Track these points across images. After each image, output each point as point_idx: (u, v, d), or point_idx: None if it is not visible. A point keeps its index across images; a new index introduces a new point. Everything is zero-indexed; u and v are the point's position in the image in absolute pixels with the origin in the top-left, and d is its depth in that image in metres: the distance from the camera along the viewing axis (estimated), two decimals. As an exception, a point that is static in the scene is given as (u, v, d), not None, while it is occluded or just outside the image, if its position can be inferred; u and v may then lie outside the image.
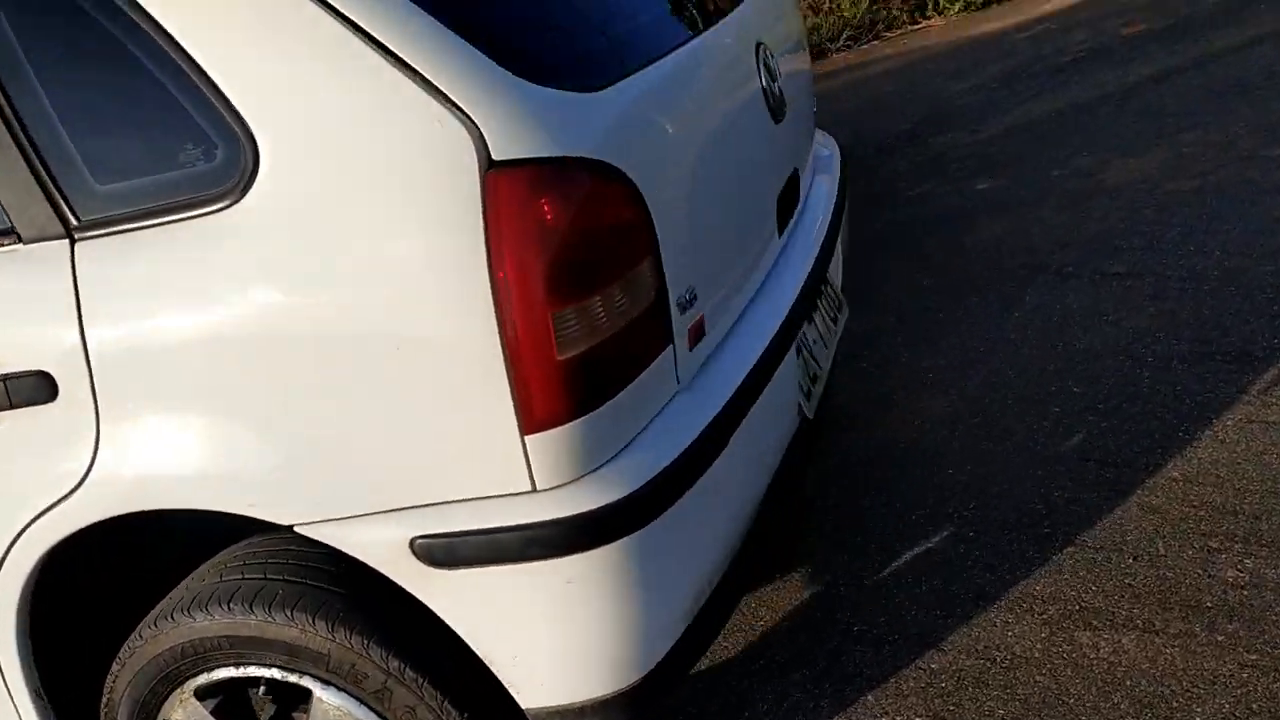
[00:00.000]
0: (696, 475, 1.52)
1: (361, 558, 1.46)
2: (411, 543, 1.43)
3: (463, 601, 1.46)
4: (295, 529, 1.47)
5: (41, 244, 1.47)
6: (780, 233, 1.98)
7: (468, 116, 1.31)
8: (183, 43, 1.37)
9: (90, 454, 1.49)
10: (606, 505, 1.40)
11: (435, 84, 1.32)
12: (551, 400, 1.36)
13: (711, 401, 1.59)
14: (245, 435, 1.43)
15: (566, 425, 1.37)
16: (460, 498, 1.41)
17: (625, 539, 1.42)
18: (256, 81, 1.36)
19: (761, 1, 2.07)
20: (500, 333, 1.32)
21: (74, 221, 1.46)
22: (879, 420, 2.99)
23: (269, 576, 1.55)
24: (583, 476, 1.41)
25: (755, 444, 1.72)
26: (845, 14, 7.83)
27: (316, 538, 1.47)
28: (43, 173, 1.45)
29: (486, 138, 1.31)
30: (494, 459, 1.38)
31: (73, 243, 1.46)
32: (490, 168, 1.30)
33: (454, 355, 1.34)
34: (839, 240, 2.29)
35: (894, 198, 4.56)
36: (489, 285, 1.31)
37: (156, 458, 1.47)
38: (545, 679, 1.49)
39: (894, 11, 7.92)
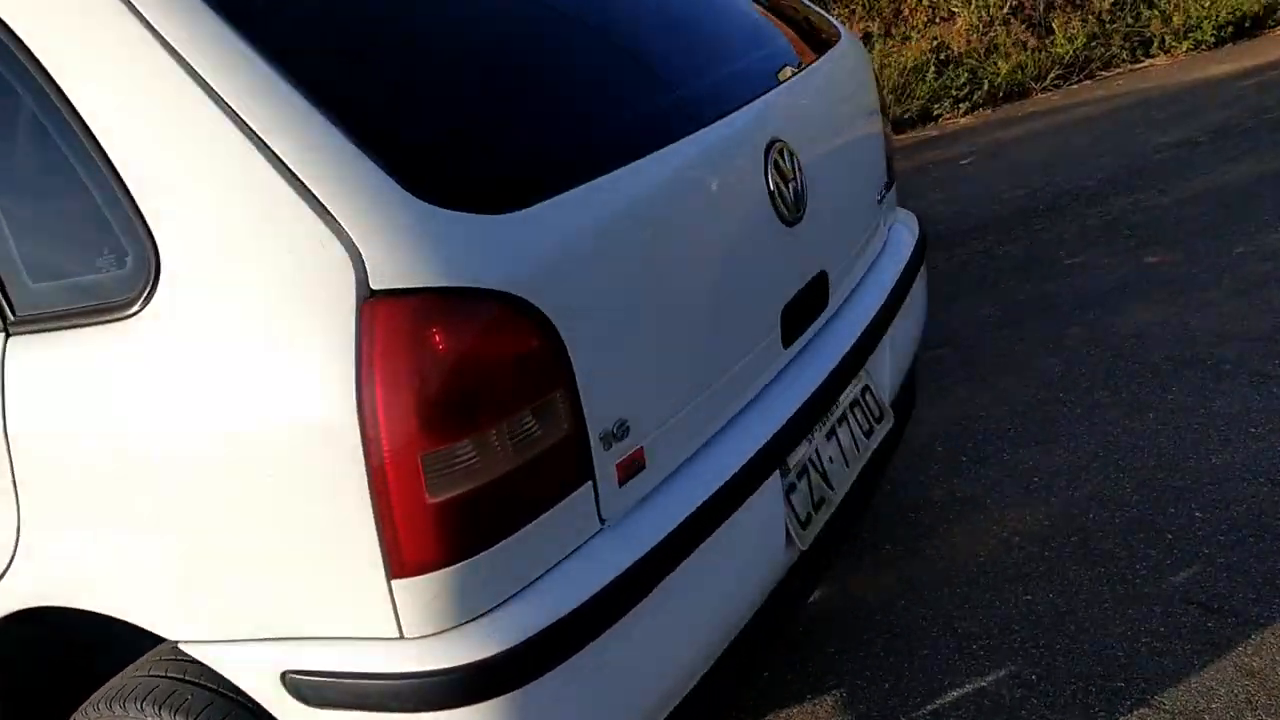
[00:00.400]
0: (607, 624, 1.38)
1: (237, 683, 1.40)
2: (283, 676, 1.35)
3: None
4: (180, 645, 1.43)
5: None
6: (788, 344, 1.80)
7: (350, 239, 1.23)
8: (103, 143, 1.35)
9: (12, 543, 1.50)
10: (481, 660, 1.28)
11: (321, 201, 1.24)
12: (421, 545, 1.25)
13: (637, 544, 1.44)
14: (139, 546, 1.40)
15: (439, 572, 1.27)
16: (332, 635, 1.33)
17: (506, 696, 1.30)
18: (161, 187, 1.32)
19: (791, 93, 1.89)
20: (367, 471, 1.23)
21: (10, 316, 1.47)
22: (961, 525, 2.72)
23: (186, 679, 1.52)
24: (459, 626, 1.29)
25: (710, 583, 1.55)
26: (1059, 50, 7.33)
27: (198, 656, 1.42)
28: None
29: (366, 264, 1.22)
30: (363, 601, 1.29)
31: (6, 336, 1.48)
32: (368, 296, 1.21)
33: (324, 490, 1.26)
34: (886, 343, 2.08)
35: (1048, 266, 4.20)
36: (357, 421, 1.22)
37: (68, 556, 1.46)
38: None
39: (1114, 49, 7.36)
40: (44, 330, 1.44)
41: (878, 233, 2.22)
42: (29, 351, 1.45)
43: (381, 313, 1.21)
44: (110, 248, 1.37)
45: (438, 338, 1.23)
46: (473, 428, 1.25)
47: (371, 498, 1.24)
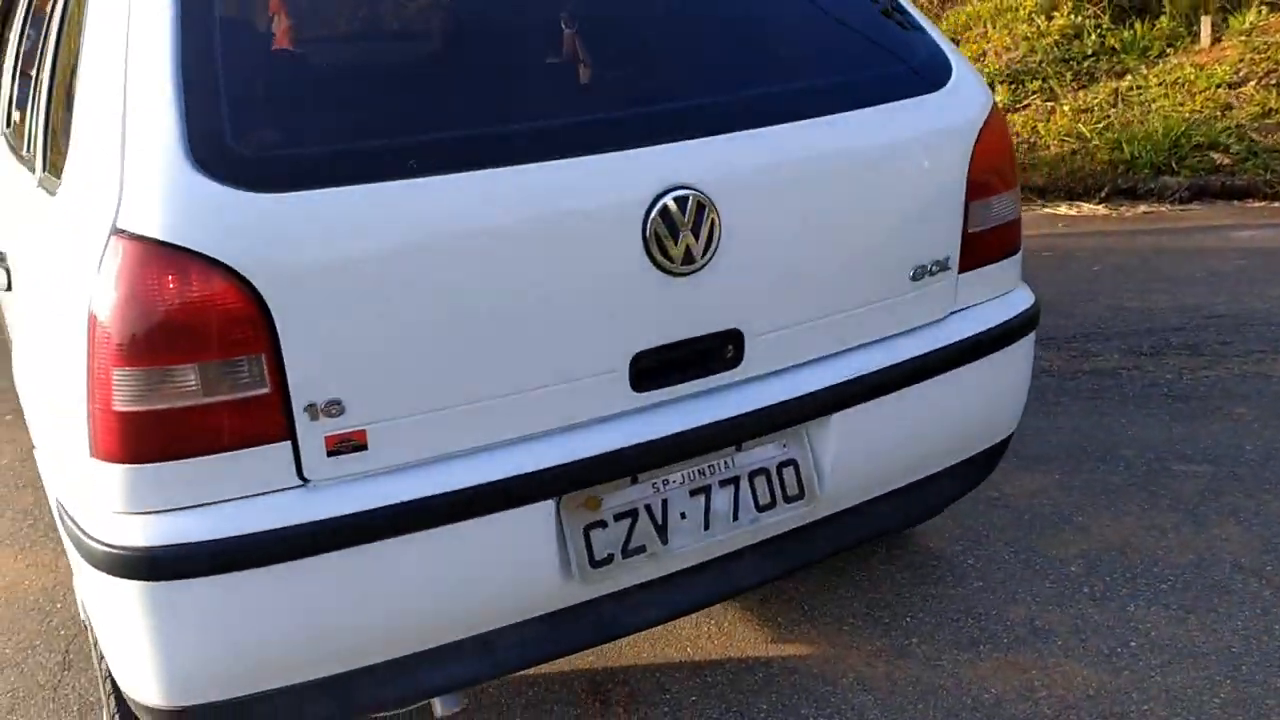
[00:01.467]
0: (266, 561, 1.57)
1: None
2: (59, 507, 1.72)
3: (83, 586, 1.72)
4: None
5: None
6: (642, 389, 1.79)
7: (123, 182, 1.52)
8: None
9: None
10: (130, 546, 1.55)
11: (125, 147, 1.54)
12: (106, 442, 1.54)
13: (327, 508, 1.60)
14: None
15: (119, 466, 1.54)
16: (74, 494, 1.67)
17: (142, 583, 1.56)
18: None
19: (737, 144, 1.82)
20: (86, 367, 1.53)
21: None
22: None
23: None
24: (129, 514, 1.56)
25: (417, 570, 1.67)
26: None
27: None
28: None
29: (122, 205, 1.50)
30: (80, 473, 1.61)
31: None
32: (114, 232, 1.50)
33: (74, 372, 1.58)
34: (836, 425, 1.95)
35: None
36: (88, 325, 1.52)
37: None
38: (122, 678, 1.70)
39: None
40: None
41: (902, 311, 2.03)
42: None
43: (112, 246, 1.49)
44: None
45: (141, 278, 1.48)
46: (157, 360, 1.49)
47: (86, 389, 1.54)
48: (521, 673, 2.42)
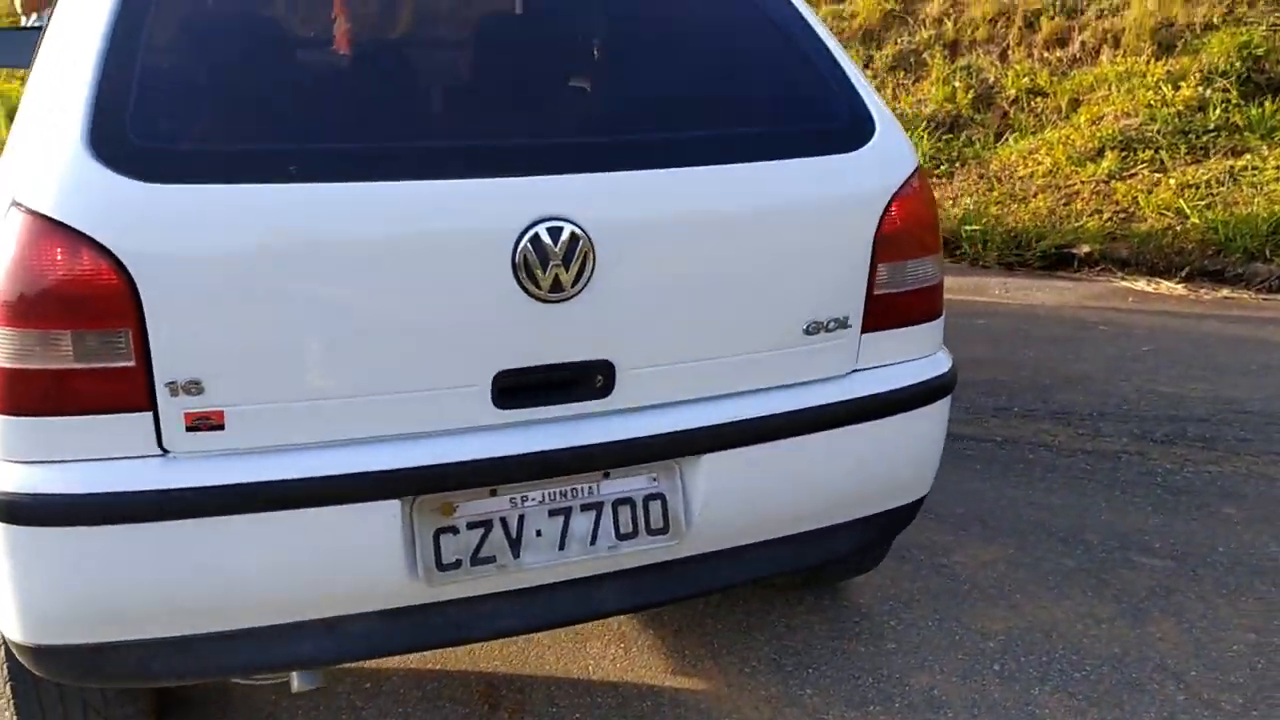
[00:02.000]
0: (109, 521, 1.71)
1: None
2: None
3: None
4: None
5: None
6: (505, 407, 1.88)
7: (28, 162, 1.70)
8: None
9: None
10: None
11: (40, 132, 1.72)
12: None
13: (182, 477, 1.74)
14: None
15: (4, 417, 1.71)
16: None
17: (4, 525, 1.72)
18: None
19: (619, 183, 1.89)
20: None
21: None
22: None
23: None
24: (5, 462, 1.73)
25: (256, 548, 1.79)
26: None
27: None
28: None
29: (23, 182, 1.68)
30: None
31: None
32: (12, 204, 1.67)
33: None
34: (706, 467, 2.01)
35: None
36: None
37: None
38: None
39: None
40: None
41: (794, 364, 2.07)
42: None
43: (10, 215, 1.66)
44: None
45: (23, 247, 1.64)
46: (27, 323, 1.65)
47: None
48: (423, 665, 2.54)
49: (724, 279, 2.00)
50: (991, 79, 9.03)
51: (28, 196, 1.66)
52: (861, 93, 2.17)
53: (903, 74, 9.90)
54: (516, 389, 1.89)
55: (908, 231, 2.14)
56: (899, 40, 10.02)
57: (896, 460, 2.26)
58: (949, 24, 9.55)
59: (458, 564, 1.90)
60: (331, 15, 2.00)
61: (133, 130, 1.71)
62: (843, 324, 2.11)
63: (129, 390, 1.70)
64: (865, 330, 2.15)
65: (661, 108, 2.10)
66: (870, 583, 2.89)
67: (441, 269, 1.81)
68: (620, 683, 2.52)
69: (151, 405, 1.71)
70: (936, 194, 7.68)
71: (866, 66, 9.62)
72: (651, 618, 2.74)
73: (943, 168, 8.35)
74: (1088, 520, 3.22)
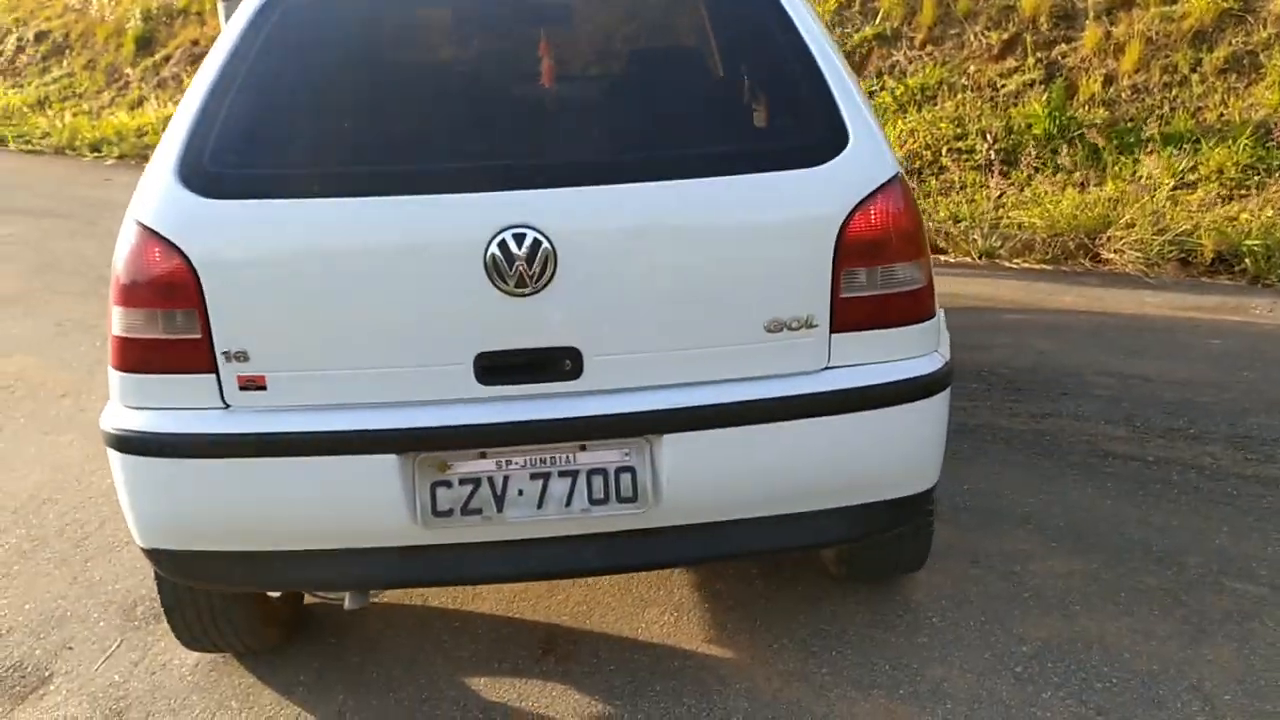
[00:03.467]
0: (183, 455, 2.26)
1: None
2: None
3: None
4: None
5: None
6: (488, 383, 2.26)
7: (143, 187, 2.31)
8: None
9: None
10: (113, 429, 2.31)
11: (154, 167, 2.32)
12: (113, 355, 2.33)
13: (238, 426, 2.27)
14: None
15: (120, 373, 2.33)
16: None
17: (119, 454, 2.32)
18: None
19: (580, 198, 2.21)
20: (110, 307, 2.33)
21: None
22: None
23: None
24: (122, 407, 2.34)
25: (291, 484, 2.28)
26: None
27: None
28: None
29: (136, 201, 2.29)
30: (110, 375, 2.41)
31: None
32: (136, 220, 2.29)
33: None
34: (671, 446, 2.28)
35: None
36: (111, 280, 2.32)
37: None
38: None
39: None
40: None
41: (760, 358, 2.29)
42: None
43: (128, 225, 2.27)
44: None
45: (131, 248, 2.24)
46: (135, 303, 2.25)
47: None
48: (501, 613, 2.96)
49: (680, 281, 2.26)
50: (1332, 83, 8.19)
51: (137, 211, 2.25)
52: (841, 106, 2.34)
53: (1234, 77, 9.17)
54: (495, 369, 2.26)
55: (877, 239, 2.29)
56: (1233, 41, 9.29)
57: (877, 455, 2.40)
58: (1291, 22, 8.74)
59: (450, 512, 2.30)
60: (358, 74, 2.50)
61: (209, 160, 2.27)
62: (807, 324, 2.30)
63: (198, 356, 2.25)
64: (836, 330, 2.32)
65: (630, 127, 2.40)
66: (929, 581, 2.98)
67: (430, 267, 2.22)
68: (661, 645, 2.81)
69: (214, 369, 2.25)
70: (1237, 206, 7.13)
71: (1194, 70, 8.99)
72: (711, 594, 3.00)
73: (1255, 178, 7.71)
74: (1197, 544, 3.10)
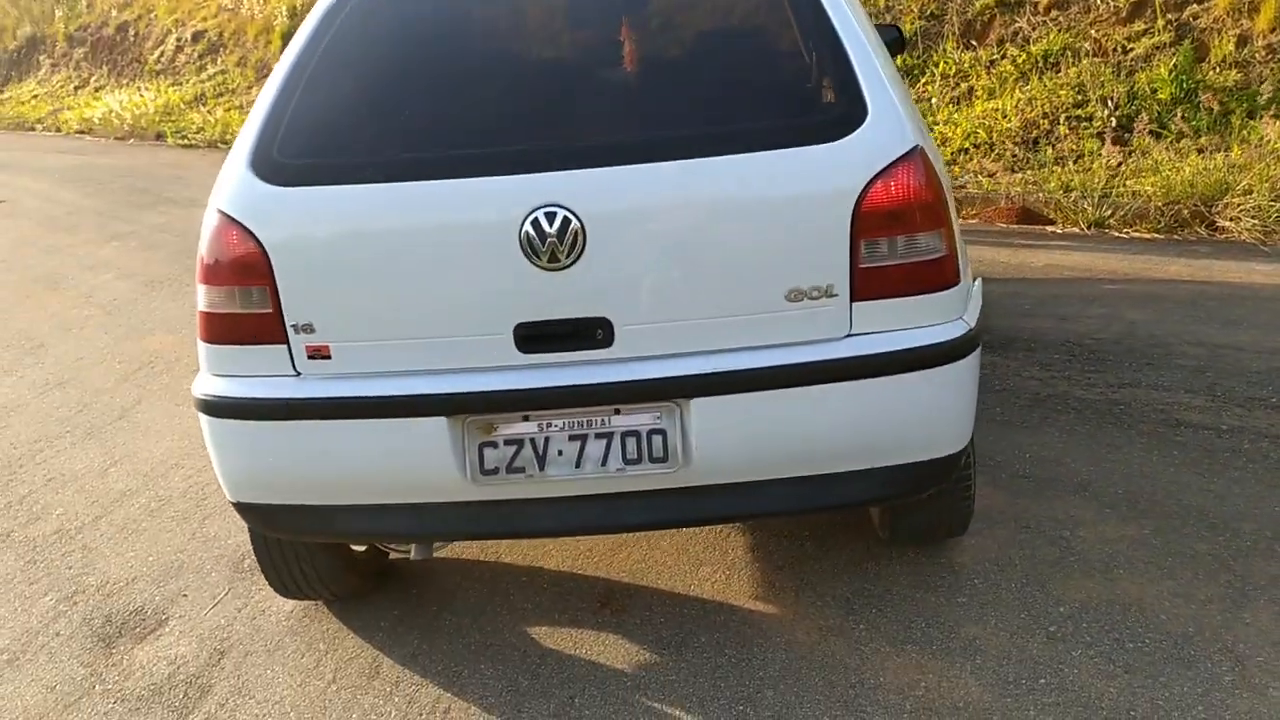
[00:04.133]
0: (262, 417, 2.52)
1: None
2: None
3: None
4: None
5: None
6: (528, 352, 2.45)
7: (222, 177, 2.57)
8: None
9: None
10: (203, 395, 2.59)
11: (231, 159, 2.59)
12: (200, 328, 2.61)
13: (308, 390, 2.52)
14: None
15: (203, 344, 2.60)
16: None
17: (208, 418, 2.60)
18: None
19: (602, 177, 2.36)
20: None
21: None
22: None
23: None
24: (209, 375, 2.61)
25: (356, 443, 2.52)
26: None
27: None
28: None
29: (217, 193, 2.56)
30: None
31: None
32: (215, 206, 2.56)
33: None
34: (700, 409, 2.43)
35: None
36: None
37: None
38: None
39: None
40: None
41: (783, 327, 2.42)
42: None
43: (210, 213, 2.54)
44: None
45: (214, 232, 2.50)
46: (216, 281, 2.51)
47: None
48: (565, 568, 3.17)
49: (701, 254, 2.40)
50: None
51: (218, 200, 2.52)
52: (862, 81, 2.43)
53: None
54: (534, 338, 2.45)
55: (895, 211, 2.38)
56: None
57: (900, 419, 2.49)
58: None
59: (496, 470, 2.51)
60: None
61: (278, 151, 2.52)
62: (827, 293, 2.41)
63: (271, 328, 2.50)
64: (857, 299, 2.42)
65: (654, 109, 2.54)
66: (975, 545, 3.05)
67: (471, 245, 2.42)
68: (710, 601, 2.97)
69: (285, 340, 2.50)
70: None
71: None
72: (763, 554, 3.14)
73: None
74: (1255, 510, 3.08)
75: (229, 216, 2.48)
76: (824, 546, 3.14)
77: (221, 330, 2.55)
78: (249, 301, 2.50)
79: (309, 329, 2.48)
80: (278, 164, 2.51)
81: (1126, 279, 5.37)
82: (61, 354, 5.89)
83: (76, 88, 21.30)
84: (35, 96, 22.03)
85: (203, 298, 2.54)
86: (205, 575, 3.41)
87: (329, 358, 2.50)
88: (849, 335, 2.45)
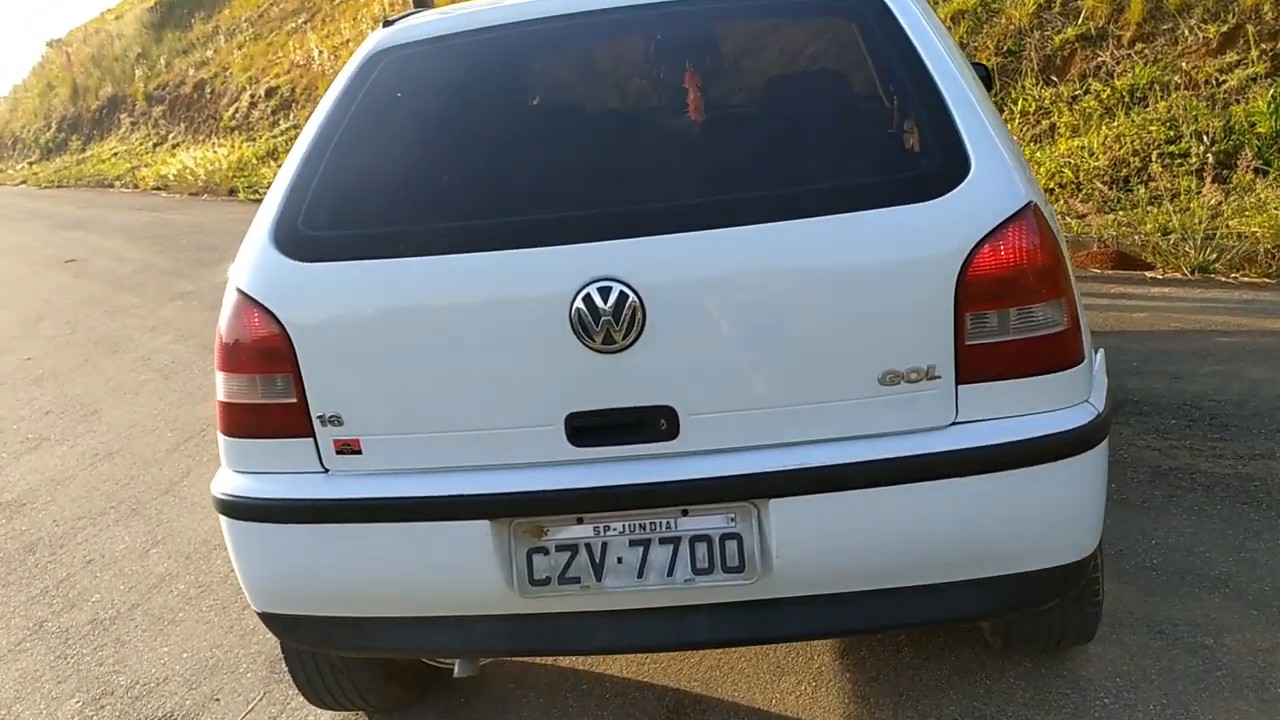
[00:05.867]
0: (286, 520, 2.25)
1: None
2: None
3: None
4: None
5: None
6: (580, 445, 2.14)
7: (242, 252, 2.31)
8: None
9: None
10: (220, 494, 2.32)
11: (253, 231, 2.33)
12: (218, 419, 2.34)
13: (336, 490, 2.23)
14: None
15: (222, 436, 2.34)
16: None
17: (227, 519, 2.33)
18: None
19: (665, 246, 2.05)
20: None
21: None
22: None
23: None
24: (232, 470, 2.34)
25: (384, 552, 2.22)
26: None
27: None
28: None
29: (236, 269, 2.30)
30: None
31: None
32: (234, 284, 2.30)
33: None
34: (778, 511, 2.09)
35: None
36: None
37: None
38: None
39: None
40: None
41: (875, 414, 2.08)
42: None
43: (229, 291, 2.28)
44: None
45: (231, 314, 2.24)
46: (233, 369, 2.25)
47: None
48: (630, 676, 2.83)
49: (779, 332, 2.07)
50: None
51: (237, 277, 2.26)
52: (962, 130, 2.10)
53: None
54: (588, 429, 2.13)
55: (1006, 278, 2.03)
56: None
57: (1017, 520, 2.13)
58: None
59: (547, 581, 2.19)
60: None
61: (303, 222, 2.25)
62: (928, 375, 2.06)
63: (295, 420, 2.22)
64: (963, 382, 2.07)
65: (719, 171, 2.22)
66: (1102, 655, 2.65)
67: (515, 324, 2.12)
68: (794, 717, 2.61)
69: (311, 433, 2.22)
70: None
71: None
72: (855, 663, 2.77)
73: None
74: None
75: (248, 296, 2.21)
76: (925, 655, 2.76)
77: (242, 422, 2.27)
78: (271, 391, 2.22)
79: (337, 421, 2.19)
80: (302, 237, 2.24)
81: (1241, 331, 4.92)
82: (115, 420, 5.73)
83: (155, 145, 21.77)
84: (115, 154, 22.57)
85: (221, 386, 2.27)
86: (240, 676, 3.13)
87: (359, 453, 2.21)
88: (954, 424, 2.09)
